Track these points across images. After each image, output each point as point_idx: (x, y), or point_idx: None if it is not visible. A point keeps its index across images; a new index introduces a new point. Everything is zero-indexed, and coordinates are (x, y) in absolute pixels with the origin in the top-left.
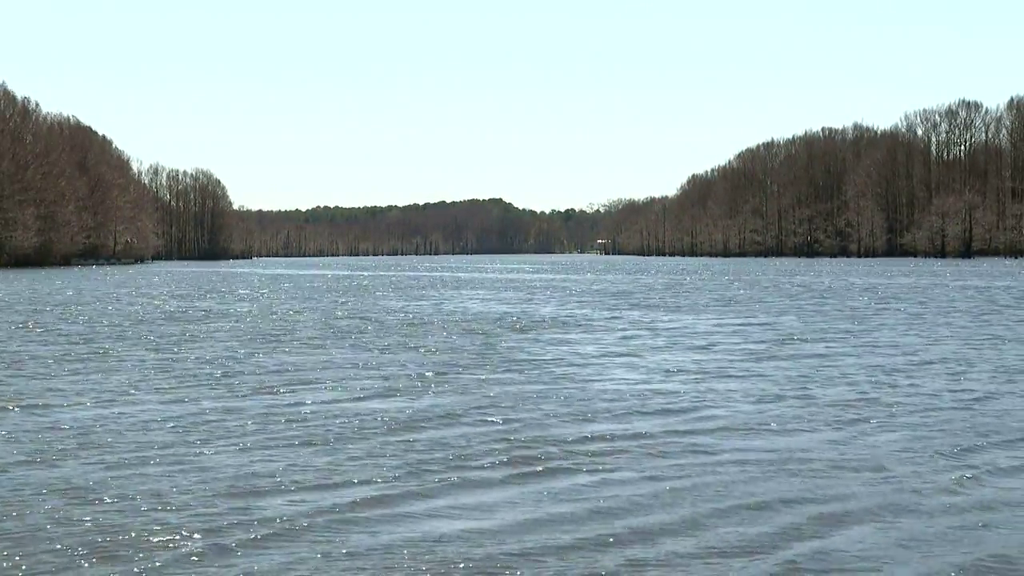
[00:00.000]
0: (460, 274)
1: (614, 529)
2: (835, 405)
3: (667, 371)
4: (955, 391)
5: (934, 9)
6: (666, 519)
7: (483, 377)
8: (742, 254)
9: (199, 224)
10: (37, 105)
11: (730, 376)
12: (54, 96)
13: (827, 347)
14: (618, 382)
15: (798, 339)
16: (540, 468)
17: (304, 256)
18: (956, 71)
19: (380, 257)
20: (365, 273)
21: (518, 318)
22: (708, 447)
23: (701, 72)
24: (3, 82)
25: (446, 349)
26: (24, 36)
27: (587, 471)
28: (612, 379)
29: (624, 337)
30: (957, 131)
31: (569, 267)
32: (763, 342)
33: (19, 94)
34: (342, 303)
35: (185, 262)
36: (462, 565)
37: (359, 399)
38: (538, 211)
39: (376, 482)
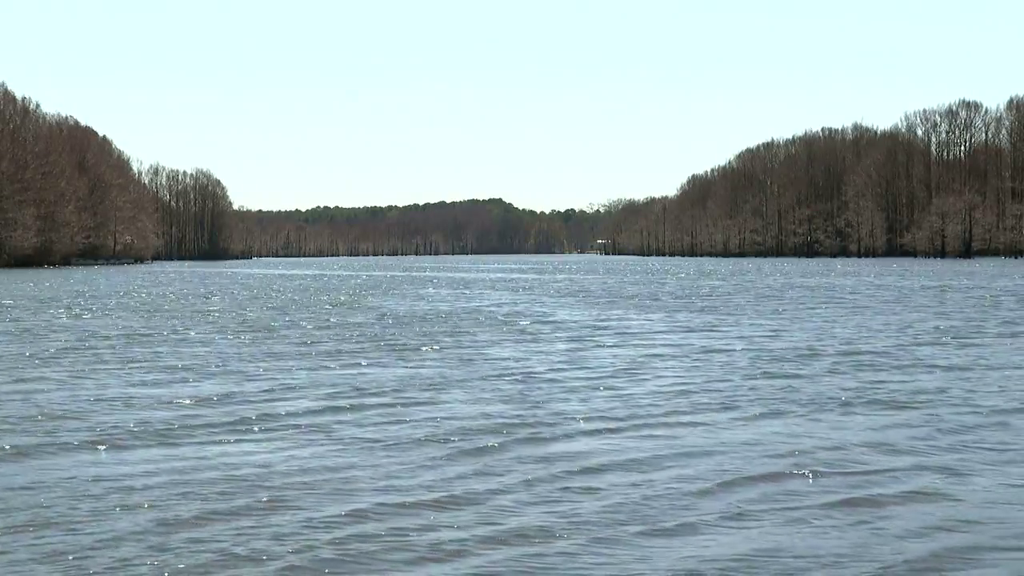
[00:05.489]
0: (450, 274)
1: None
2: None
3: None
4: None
5: (934, 9)
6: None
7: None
8: (742, 254)
9: (199, 224)
10: (37, 105)
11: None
12: (54, 96)
13: (656, 339)
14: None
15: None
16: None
17: (304, 256)
18: (956, 71)
19: (380, 257)
20: (364, 274)
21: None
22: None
23: (701, 72)
24: (3, 82)
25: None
26: (24, 36)
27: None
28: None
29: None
30: (957, 131)
31: (562, 268)
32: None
33: (19, 94)
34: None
35: (186, 262)
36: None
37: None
38: (538, 211)
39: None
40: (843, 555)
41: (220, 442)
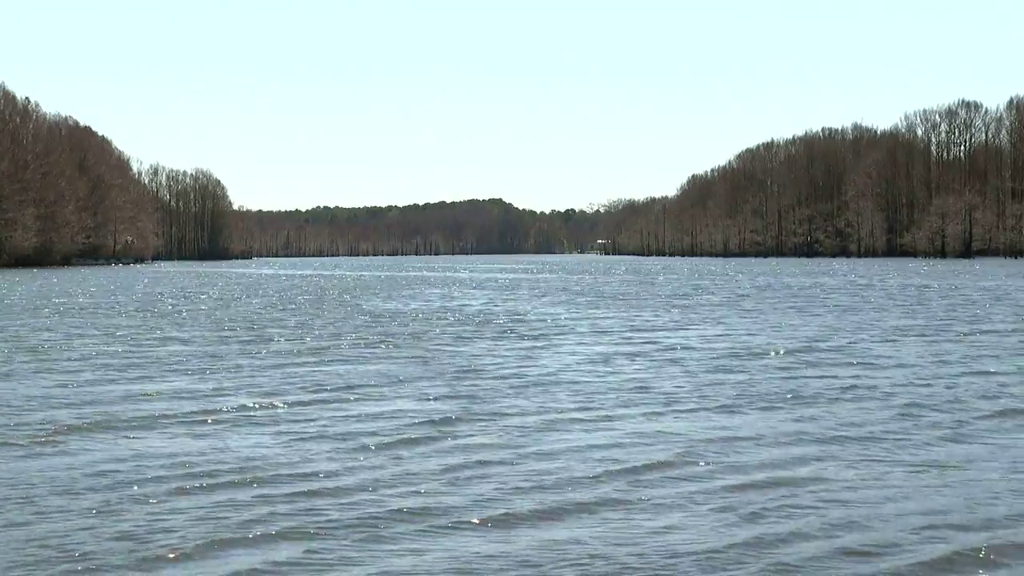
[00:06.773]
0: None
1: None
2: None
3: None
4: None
5: (934, 9)
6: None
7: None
8: (742, 254)
9: (199, 224)
10: (37, 105)
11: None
12: (54, 96)
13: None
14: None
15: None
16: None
17: (304, 256)
18: (956, 71)
19: (380, 257)
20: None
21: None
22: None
23: (701, 72)
24: (3, 82)
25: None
26: (24, 36)
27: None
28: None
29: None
30: (957, 131)
31: (557, 268)
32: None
33: (19, 94)
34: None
35: (186, 262)
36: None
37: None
38: (538, 211)
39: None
40: (740, 545)
41: (180, 435)
